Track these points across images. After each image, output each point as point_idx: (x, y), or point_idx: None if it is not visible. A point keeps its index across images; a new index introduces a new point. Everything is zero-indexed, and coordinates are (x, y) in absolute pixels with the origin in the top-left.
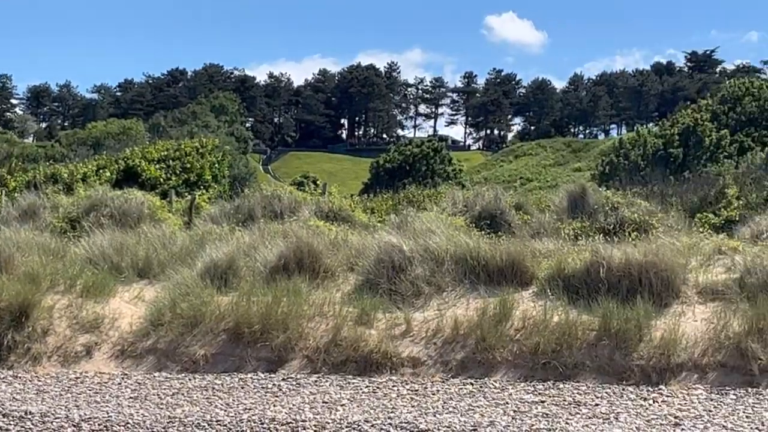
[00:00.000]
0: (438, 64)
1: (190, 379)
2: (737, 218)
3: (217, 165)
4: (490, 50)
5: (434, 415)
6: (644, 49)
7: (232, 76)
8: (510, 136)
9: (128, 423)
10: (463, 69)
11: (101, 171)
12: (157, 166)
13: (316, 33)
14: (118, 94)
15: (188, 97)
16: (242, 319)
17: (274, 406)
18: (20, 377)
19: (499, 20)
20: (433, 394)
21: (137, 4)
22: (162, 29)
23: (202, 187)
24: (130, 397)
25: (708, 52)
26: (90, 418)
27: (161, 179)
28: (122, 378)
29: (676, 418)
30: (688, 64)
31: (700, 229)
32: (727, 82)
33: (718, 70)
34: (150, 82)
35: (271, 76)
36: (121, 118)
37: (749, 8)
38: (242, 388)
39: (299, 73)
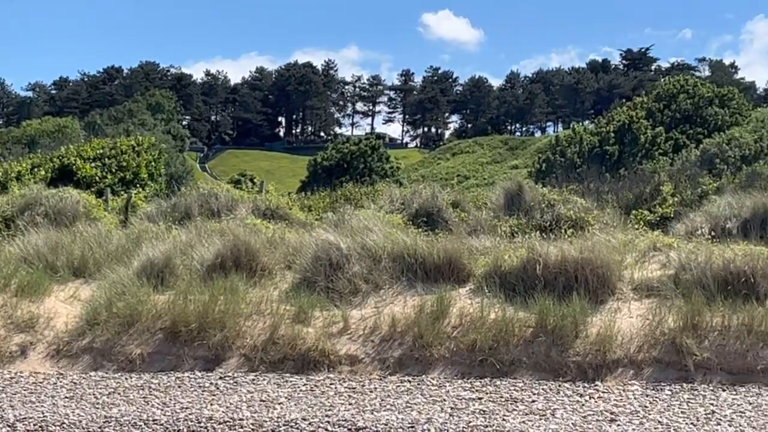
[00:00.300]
0: (374, 62)
1: (126, 379)
2: (672, 215)
3: (153, 163)
4: (426, 48)
5: (372, 413)
6: (579, 47)
7: (169, 73)
8: (447, 133)
9: (64, 423)
10: (399, 67)
11: (36, 169)
12: (93, 164)
13: (253, 31)
14: (53, 92)
15: (124, 95)
16: (179, 317)
17: (212, 404)
18: None
19: (435, 18)
20: (371, 392)
21: (72, 1)
22: (97, 27)
23: (138, 185)
24: (66, 397)
25: (643, 50)
26: (25, 418)
27: (97, 178)
28: (58, 378)
29: (612, 413)
30: (624, 61)
31: (636, 226)
32: (662, 80)
33: (653, 67)
34: (85, 79)
35: (207, 74)
36: (57, 116)
37: (683, 6)
38: (179, 387)
39: (236, 71)
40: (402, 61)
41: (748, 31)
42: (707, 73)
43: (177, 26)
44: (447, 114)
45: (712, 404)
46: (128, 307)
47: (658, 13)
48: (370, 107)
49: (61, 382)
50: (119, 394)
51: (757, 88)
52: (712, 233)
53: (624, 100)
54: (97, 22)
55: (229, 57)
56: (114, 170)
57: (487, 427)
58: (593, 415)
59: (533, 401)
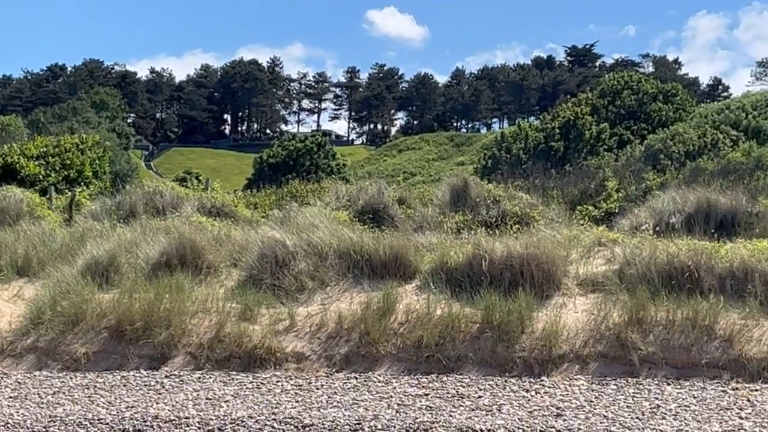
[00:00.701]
0: (319, 59)
1: (71, 378)
2: (617, 210)
3: (97, 161)
4: (371, 45)
5: (318, 410)
6: (524, 44)
7: (113, 71)
8: (393, 130)
9: (8, 423)
10: (344, 64)
11: None
12: (36, 162)
13: (197, 28)
14: None
15: (68, 93)
16: (124, 316)
17: (157, 403)
18: None
19: (380, 15)
20: (318, 389)
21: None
22: (40, 24)
23: (82, 183)
24: (10, 397)
25: (588, 47)
26: None
27: (41, 176)
28: (1, 377)
29: (558, 408)
30: (569, 58)
31: (581, 222)
32: (607, 76)
33: (597, 64)
34: (29, 78)
35: (152, 71)
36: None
37: (627, 3)
38: (125, 385)
39: (181, 69)
40: (347, 58)
41: (690, 27)
42: (651, 69)
43: (121, 24)
44: (393, 111)
45: (657, 398)
46: (73, 306)
47: (602, 10)
48: (316, 104)
49: (5, 381)
50: (64, 393)
51: (700, 84)
52: (657, 228)
53: (569, 97)
54: (41, 20)
55: (174, 54)
56: (58, 168)
57: (433, 423)
58: (539, 410)
59: (479, 397)
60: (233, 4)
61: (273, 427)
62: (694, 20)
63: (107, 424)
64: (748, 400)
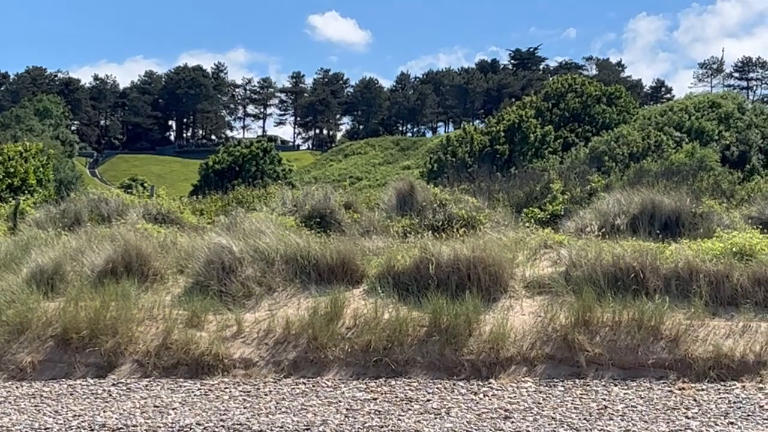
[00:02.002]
0: (262, 64)
1: (17, 387)
2: (562, 213)
3: (41, 169)
4: (314, 49)
5: (267, 416)
6: (466, 48)
7: (56, 78)
8: (339, 135)
9: None
10: (287, 68)
11: None
12: None
13: (137, 34)
14: None
15: (11, 100)
16: (70, 324)
17: (105, 411)
18: None
19: (322, 19)
20: (266, 395)
21: None
22: None
23: (26, 191)
24: None
25: (531, 50)
26: None
27: None
28: None
29: (506, 411)
30: (513, 61)
31: (527, 224)
32: (551, 79)
33: (541, 67)
34: None
35: (96, 78)
36: None
37: (567, 6)
38: (71, 394)
39: (122, 75)
40: (290, 63)
41: (630, 29)
42: (594, 71)
43: (61, 31)
44: (338, 115)
45: (604, 399)
46: (18, 315)
47: (542, 13)
48: (262, 110)
49: None
50: (10, 402)
51: (643, 86)
52: (602, 230)
53: (513, 100)
54: None
55: (115, 61)
56: (1, 177)
57: (382, 427)
58: (488, 412)
59: (428, 400)
60: (174, 11)
61: None
62: (635, 22)
63: None
64: (695, 400)
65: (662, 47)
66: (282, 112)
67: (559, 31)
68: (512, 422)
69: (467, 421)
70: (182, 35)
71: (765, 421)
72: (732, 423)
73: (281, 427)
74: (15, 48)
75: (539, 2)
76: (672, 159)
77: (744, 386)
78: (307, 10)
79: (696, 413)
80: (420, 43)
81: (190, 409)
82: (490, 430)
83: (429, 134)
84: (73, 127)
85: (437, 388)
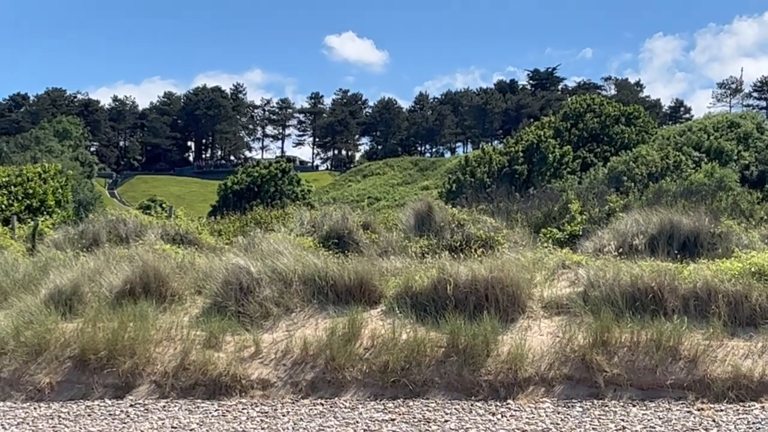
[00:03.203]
0: (279, 85)
1: (35, 408)
2: (581, 233)
3: (60, 190)
4: (331, 70)
5: None
6: (482, 68)
7: (76, 100)
8: (358, 155)
9: None
10: (304, 89)
11: None
12: None
13: (155, 55)
14: None
15: (31, 122)
16: (88, 345)
17: None
18: None
19: (338, 40)
20: (284, 416)
21: None
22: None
23: (45, 212)
24: None
25: (550, 70)
26: None
27: (3, 205)
28: None
29: (524, 431)
30: (531, 81)
31: (545, 244)
32: (569, 99)
33: (560, 87)
34: None
35: (115, 99)
36: None
37: (583, 26)
38: (89, 415)
39: (140, 96)
40: (307, 83)
41: (647, 49)
42: (613, 91)
43: (79, 52)
44: (357, 136)
45: (622, 420)
46: (36, 336)
47: (559, 34)
48: (280, 130)
49: None
50: (28, 423)
51: (662, 106)
52: (620, 250)
53: (532, 120)
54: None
55: (132, 82)
56: (20, 198)
57: None
58: None
59: (446, 421)
60: (190, 32)
61: None
62: (651, 42)
63: None
64: (714, 420)
65: (679, 67)
66: (301, 133)
67: (575, 51)
68: None
69: None
70: (199, 56)
71: None
72: None
73: None
74: (34, 69)
75: (555, 23)
76: (691, 179)
77: (763, 407)
78: (324, 30)
79: None
80: (436, 63)
81: (207, 430)
82: None
83: (447, 155)
84: (92, 148)
85: (455, 408)
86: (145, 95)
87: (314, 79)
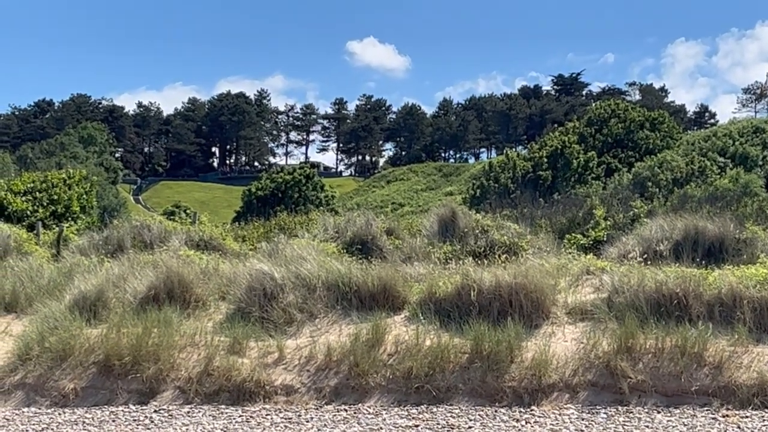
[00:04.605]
0: (301, 90)
1: (60, 414)
2: (605, 238)
3: (85, 196)
4: (353, 75)
5: None
6: (504, 73)
7: (101, 106)
8: (382, 161)
9: None
10: (326, 95)
11: None
12: (24, 198)
13: (176, 61)
14: None
15: (56, 128)
16: (112, 351)
17: None
18: None
19: (360, 46)
20: (307, 422)
21: None
22: (26, 59)
23: (70, 218)
24: None
25: (574, 75)
26: None
27: (28, 212)
28: None
29: None
30: (555, 87)
31: (569, 250)
32: (594, 105)
33: (584, 92)
34: (16, 113)
35: (140, 105)
36: None
37: (605, 31)
38: (113, 421)
39: (163, 102)
40: (329, 89)
41: (669, 54)
42: (638, 97)
43: (101, 59)
44: (381, 142)
45: (647, 426)
46: (61, 342)
47: (580, 39)
48: (304, 136)
49: None
50: (52, 429)
51: (687, 112)
52: (645, 256)
53: (556, 125)
54: (27, 56)
55: (153, 88)
56: (45, 204)
57: None
58: None
59: (470, 427)
60: (212, 37)
61: None
62: (673, 47)
63: None
64: (739, 427)
65: (701, 72)
66: (325, 139)
67: (597, 57)
68: None
69: None
70: (221, 62)
71: None
72: None
73: None
74: (58, 76)
75: (577, 28)
76: (716, 184)
77: None
78: (346, 35)
79: None
80: (458, 68)
81: None
82: None
83: (471, 160)
84: (117, 154)
85: (479, 415)
86: (167, 101)
87: (336, 85)
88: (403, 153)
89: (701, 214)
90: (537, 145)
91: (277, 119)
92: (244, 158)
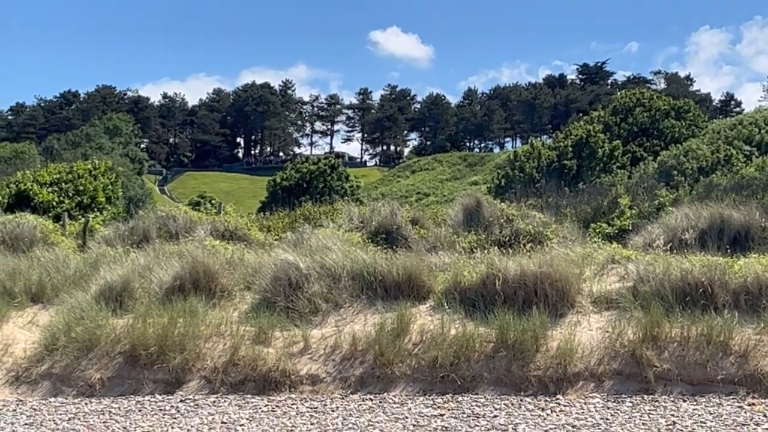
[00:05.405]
0: (324, 81)
1: (86, 404)
2: (630, 227)
3: (110, 187)
4: (376, 65)
5: None
6: (527, 62)
7: (126, 97)
8: (406, 151)
9: None
10: (349, 85)
11: None
12: (50, 189)
13: (198, 51)
14: (10, 117)
15: (81, 119)
16: (138, 341)
17: (172, 428)
18: None
19: (383, 35)
20: (333, 411)
21: (26, 27)
22: (51, 51)
23: (95, 209)
24: (26, 424)
25: (599, 64)
26: None
27: (54, 202)
28: (17, 404)
29: (573, 427)
30: (580, 76)
31: (594, 239)
32: (619, 94)
33: (609, 81)
34: (42, 105)
35: (165, 96)
36: (14, 142)
37: (628, 20)
38: (140, 410)
39: (186, 92)
40: (352, 79)
41: (693, 42)
42: (663, 85)
43: (125, 50)
44: (406, 132)
45: (673, 415)
46: (87, 332)
47: (604, 27)
48: (329, 126)
49: (20, 408)
50: (79, 419)
51: (712, 100)
52: (670, 245)
53: (581, 115)
54: (51, 48)
55: (177, 78)
56: (71, 194)
57: None
58: (555, 428)
59: (495, 416)
60: (234, 27)
61: None
62: (697, 36)
63: None
64: (765, 416)
65: (725, 60)
66: (349, 129)
67: (621, 45)
68: None
69: None
70: (244, 53)
71: None
72: None
73: None
74: (83, 67)
75: (600, 16)
76: (742, 173)
77: None
78: (369, 26)
79: (766, 429)
80: (482, 57)
81: (257, 426)
82: None
83: (496, 150)
84: (142, 145)
85: (504, 404)
86: (191, 92)
87: (359, 75)
88: (428, 143)
89: (727, 203)
90: (562, 134)
91: (301, 109)
92: (268, 149)
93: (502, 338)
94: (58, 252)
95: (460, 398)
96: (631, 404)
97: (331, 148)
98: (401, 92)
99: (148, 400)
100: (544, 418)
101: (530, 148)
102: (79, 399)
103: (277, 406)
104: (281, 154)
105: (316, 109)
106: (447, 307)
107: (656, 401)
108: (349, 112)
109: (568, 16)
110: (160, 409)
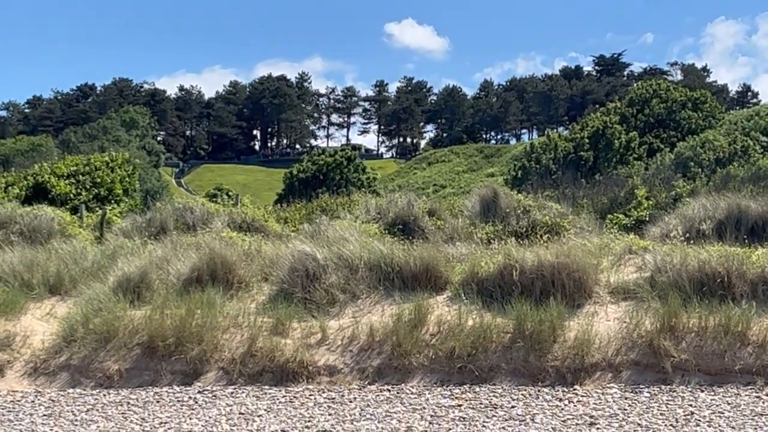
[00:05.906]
0: (339, 73)
1: (104, 395)
2: (647, 218)
3: (127, 179)
4: (391, 57)
5: (351, 423)
6: (543, 54)
7: (142, 89)
8: (423, 143)
9: None
10: (365, 77)
11: (10, 188)
12: (67, 181)
13: (214, 44)
14: (27, 110)
15: (98, 112)
16: (156, 332)
17: (190, 419)
18: None
19: (398, 27)
20: (351, 402)
21: (42, 21)
22: (67, 45)
23: (113, 201)
24: (44, 415)
25: (615, 56)
26: None
27: (71, 195)
28: (36, 396)
29: (591, 417)
30: (596, 68)
31: (611, 230)
32: (635, 85)
33: (625, 73)
34: (59, 98)
35: (181, 89)
36: (31, 135)
37: (643, 11)
38: (157, 402)
39: (203, 85)
40: (367, 71)
41: (708, 33)
42: (679, 77)
43: (141, 43)
44: (422, 124)
45: (690, 405)
46: (105, 324)
47: (619, 19)
48: (345, 119)
49: (39, 400)
50: (97, 410)
51: (729, 91)
52: (687, 235)
53: (597, 106)
54: (68, 41)
55: (193, 71)
56: (88, 187)
57: None
58: (573, 419)
59: (513, 407)
60: (250, 20)
61: None
62: (713, 27)
63: None
64: None
65: (741, 51)
66: (366, 121)
67: (636, 37)
68: (598, 429)
69: (552, 428)
70: (259, 45)
71: None
72: None
73: None
74: (100, 60)
75: (616, 8)
76: (759, 164)
77: None
78: (384, 17)
79: None
80: (497, 49)
81: (275, 416)
82: None
83: (513, 141)
84: (159, 138)
85: (522, 394)
86: (207, 84)
87: (375, 67)
88: (444, 135)
89: (744, 194)
90: (578, 125)
91: (318, 102)
92: (285, 141)
93: (519, 329)
94: (75, 244)
95: (477, 389)
96: (648, 394)
97: (348, 140)
98: (417, 84)
99: (166, 392)
100: (562, 409)
101: (547, 140)
102: (97, 390)
103: (294, 397)
104: (297, 146)
105: (332, 101)
106: (464, 297)
107: (674, 391)
108: (366, 104)
109: (583, 7)
110: (178, 400)
